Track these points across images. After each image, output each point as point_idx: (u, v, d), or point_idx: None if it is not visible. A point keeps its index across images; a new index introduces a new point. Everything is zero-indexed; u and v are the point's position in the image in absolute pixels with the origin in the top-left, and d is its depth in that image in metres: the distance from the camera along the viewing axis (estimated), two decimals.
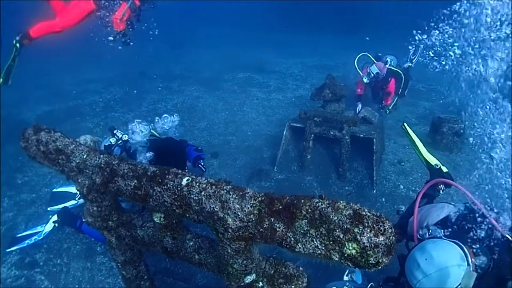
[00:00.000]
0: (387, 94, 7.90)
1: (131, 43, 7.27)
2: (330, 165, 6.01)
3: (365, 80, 7.60)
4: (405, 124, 3.68)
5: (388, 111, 7.91)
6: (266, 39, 18.49)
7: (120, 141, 4.11)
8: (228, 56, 13.92)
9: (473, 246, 2.29)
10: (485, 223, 2.36)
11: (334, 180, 5.76)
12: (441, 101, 9.58)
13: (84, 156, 2.17)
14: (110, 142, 4.16)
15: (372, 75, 7.48)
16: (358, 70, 7.70)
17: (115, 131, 4.29)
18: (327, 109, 5.89)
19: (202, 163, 4.48)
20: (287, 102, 9.13)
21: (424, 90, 10.25)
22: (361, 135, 5.50)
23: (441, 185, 3.11)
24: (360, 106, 7.76)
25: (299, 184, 5.70)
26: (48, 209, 5.21)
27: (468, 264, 2.08)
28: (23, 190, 5.82)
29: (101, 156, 2.15)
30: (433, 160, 3.30)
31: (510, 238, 2.28)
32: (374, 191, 5.54)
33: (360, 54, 7.74)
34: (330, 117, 5.44)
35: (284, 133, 5.98)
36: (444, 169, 3.21)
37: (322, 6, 21.03)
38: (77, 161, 2.17)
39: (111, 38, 6.92)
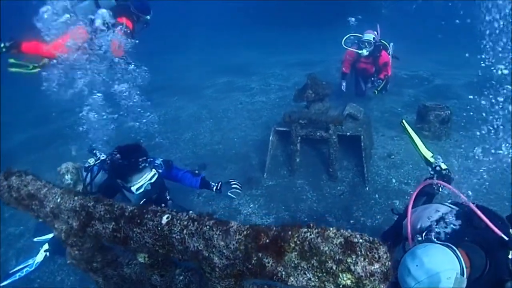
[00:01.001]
0: (384, 65, 7.79)
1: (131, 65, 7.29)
2: (320, 166, 5.93)
3: (366, 52, 7.59)
4: (404, 121, 3.61)
5: (376, 91, 7.84)
6: (244, 39, 18.39)
7: (99, 160, 3.95)
8: (207, 60, 13.82)
9: (468, 247, 2.23)
10: (479, 224, 2.29)
11: (326, 181, 5.68)
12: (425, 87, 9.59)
13: (58, 200, 2.06)
14: (89, 163, 4.02)
15: (370, 42, 7.51)
16: (348, 48, 7.74)
17: (94, 151, 4.14)
18: (311, 109, 5.80)
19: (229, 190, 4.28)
20: (271, 103, 9.03)
21: (407, 77, 10.22)
22: (348, 133, 5.42)
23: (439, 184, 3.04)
24: (344, 84, 7.72)
25: (290, 189, 5.61)
26: (34, 239, 5.05)
27: (461, 268, 2.03)
28: (11, 224, 5.67)
29: (75, 198, 2.03)
30: (434, 159, 3.24)
31: (505, 238, 2.21)
32: (367, 188, 5.48)
33: (347, 36, 7.77)
34: (315, 118, 5.36)
35: (270, 138, 5.89)
36: (443, 166, 3.16)
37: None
38: (51, 206, 2.05)
39: (105, 65, 6.89)
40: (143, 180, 3.26)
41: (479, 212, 2.26)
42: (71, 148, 7.59)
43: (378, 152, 6.24)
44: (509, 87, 9.15)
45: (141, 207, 1.86)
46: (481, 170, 6.01)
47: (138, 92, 7.65)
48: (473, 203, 2.40)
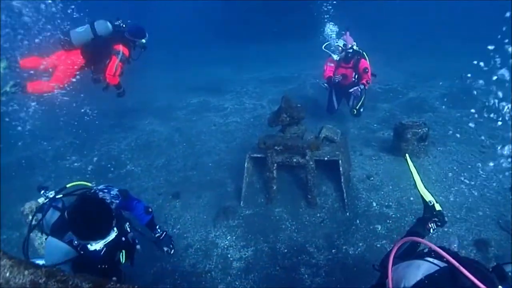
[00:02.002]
0: (364, 71, 7.57)
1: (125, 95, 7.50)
2: (298, 192, 5.72)
3: (336, 57, 7.49)
4: (407, 156, 3.43)
5: (355, 111, 7.73)
6: (215, 55, 18.20)
7: (48, 200, 3.60)
8: (179, 79, 13.51)
9: None
10: (465, 283, 2.08)
11: (305, 208, 5.46)
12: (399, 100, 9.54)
13: (7, 275, 1.75)
14: (39, 202, 3.67)
15: (341, 48, 7.40)
16: (328, 52, 7.62)
17: (42, 191, 3.76)
18: (286, 133, 5.60)
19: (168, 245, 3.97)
20: (246, 124, 8.81)
21: (381, 91, 10.18)
22: (326, 158, 5.23)
23: (432, 224, 2.87)
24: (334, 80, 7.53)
25: (268, 218, 5.38)
26: None
27: None
28: None
29: (26, 272, 1.74)
30: (428, 196, 3.06)
31: None
32: (347, 213, 5.29)
33: (326, 43, 7.68)
34: (291, 144, 5.15)
35: (245, 165, 5.64)
36: (437, 207, 2.98)
37: (266, 12, 20.85)
38: (0, 281, 1.76)
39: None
40: (101, 244, 2.88)
41: (465, 271, 2.05)
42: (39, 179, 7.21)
43: (356, 174, 6.07)
44: (483, 99, 9.18)
45: (98, 282, 1.59)
46: (462, 187, 5.93)
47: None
48: (459, 258, 2.20)
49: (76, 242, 2.87)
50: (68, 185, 3.76)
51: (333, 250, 4.81)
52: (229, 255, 4.92)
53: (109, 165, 7.38)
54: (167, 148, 7.87)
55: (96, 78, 7.17)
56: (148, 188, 6.53)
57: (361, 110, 7.78)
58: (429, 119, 8.33)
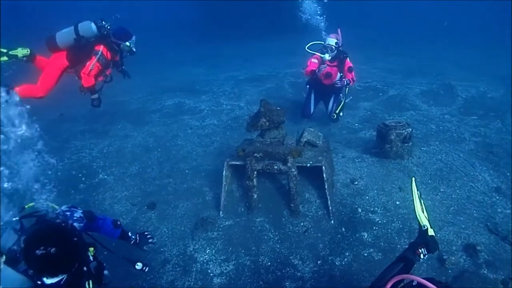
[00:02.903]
0: (349, 70, 7.51)
1: (100, 106, 7.30)
2: (280, 200, 5.43)
3: (328, 57, 7.34)
4: (413, 179, 3.19)
5: (335, 115, 7.62)
6: (192, 53, 17.79)
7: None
8: (152, 80, 13.08)
9: None
10: None
11: (287, 217, 5.18)
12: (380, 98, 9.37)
13: None
14: None
15: (333, 47, 7.32)
16: (314, 52, 7.49)
17: None
18: (266, 138, 5.31)
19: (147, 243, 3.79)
20: (224, 126, 8.50)
21: (361, 89, 10.00)
22: (308, 164, 4.96)
23: (422, 249, 2.65)
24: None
25: (249, 229, 5.08)
26: None
27: None
28: None
29: None
30: (423, 220, 2.84)
31: None
32: (332, 221, 5.04)
33: (310, 43, 7.52)
34: (271, 150, 4.87)
35: (224, 173, 5.32)
36: (430, 232, 2.77)
37: (243, 10, 20.56)
38: None
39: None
40: (59, 278, 2.52)
41: None
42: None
43: (340, 178, 5.83)
44: (463, 96, 9.11)
45: None
46: (448, 188, 5.75)
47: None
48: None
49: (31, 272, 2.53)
50: (26, 206, 3.39)
51: (318, 262, 4.55)
52: (209, 271, 4.61)
53: (80, 175, 6.96)
54: (141, 155, 7.49)
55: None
56: (122, 199, 6.16)
57: (341, 114, 7.63)
58: (410, 117, 8.19)
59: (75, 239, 2.67)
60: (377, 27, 20.90)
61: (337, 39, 7.35)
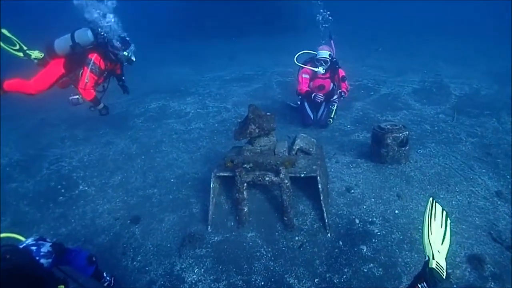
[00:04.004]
0: (342, 80, 7.34)
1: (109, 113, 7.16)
2: (273, 212, 5.09)
3: (322, 71, 7.12)
4: (431, 200, 2.87)
5: (332, 120, 7.52)
6: (176, 52, 17.32)
7: None
8: (135, 81, 12.57)
9: None
10: None
11: (281, 231, 4.83)
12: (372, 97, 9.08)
13: None
14: None
15: (327, 59, 7.10)
16: (302, 65, 7.24)
17: None
18: (255, 146, 4.95)
19: None
20: (210, 130, 8.12)
21: (352, 88, 9.67)
22: (302, 175, 4.62)
23: (422, 284, 2.41)
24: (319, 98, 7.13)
25: (241, 245, 4.71)
26: None
27: None
28: None
29: None
30: (428, 251, 2.54)
31: None
32: (328, 234, 4.71)
33: (299, 53, 7.19)
34: (262, 161, 4.51)
35: (211, 185, 4.95)
36: (431, 264, 2.48)
37: (228, 7, 20.19)
38: None
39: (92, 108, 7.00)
40: None
41: None
42: None
43: (335, 186, 5.51)
44: (456, 93, 8.86)
45: None
46: (448, 194, 5.47)
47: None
48: None
49: None
50: None
51: (315, 280, 4.22)
52: None
53: (59, 186, 6.54)
54: (123, 163, 7.07)
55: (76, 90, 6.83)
56: (104, 212, 5.76)
57: (334, 117, 7.46)
58: (404, 117, 7.92)
59: (39, 281, 2.33)
60: (362, 22, 20.67)
61: (330, 51, 7.08)
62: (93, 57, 6.43)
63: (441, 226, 2.74)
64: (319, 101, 7.20)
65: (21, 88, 6.46)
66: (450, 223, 2.77)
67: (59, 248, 3.01)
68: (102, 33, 6.48)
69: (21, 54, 6.57)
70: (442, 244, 2.66)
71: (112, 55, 6.66)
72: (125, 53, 6.65)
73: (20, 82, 6.47)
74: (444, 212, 2.78)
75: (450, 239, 2.72)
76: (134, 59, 6.88)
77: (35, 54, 6.59)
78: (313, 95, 7.21)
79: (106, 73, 6.85)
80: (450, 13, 22.84)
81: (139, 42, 6.93)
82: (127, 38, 6.73)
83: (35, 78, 6.52)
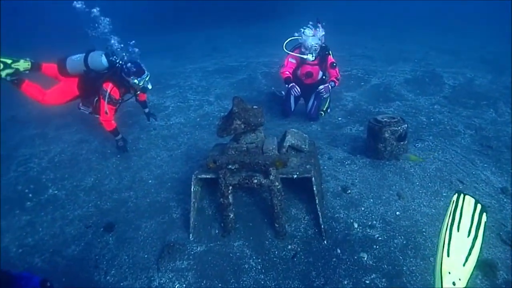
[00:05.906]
0: (332, 66, 6.84)
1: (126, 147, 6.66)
2: (262, 217, 4.56)
3: (312, 58, 6.62)
4: (459, 195, 2.27)
5: (323, 113, 7.16)
6: (157, 43, 16.61)
7: None
8: None
9: None
10: None
11: (271, 239, 4.30)
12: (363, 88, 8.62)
13: None
14: None
15: (316, 46, 6.60)
16: (291, 53, 6.79)
17: None
18: (241, 143, 4.41)
19: None
20: (191, 125, 7.55)
21: (341, 78, 9.21)
22: (295, 176, 4.10)
23: None
24: (294, 89, 6.63)
25: (226, 256, 4.19)
26: None
27: None
28: None
29: None
30: (436, 281, 2.01)
31: None
32: (325, 241, 4.21)
33: (288, 39, 6.71)
34: (249, 161, 3.98)
35: (192, 188, 4.38)
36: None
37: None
38: None
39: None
40: None
41: None
42: None
43: (330, 186, 5.01)
44: (450, 83, 8.46)
45: None
46: (451, 192, 5.03)
47: None
48: None
49: None
50: None
51: None
52: None
53: (27, 190, 5.94)
54: (97, 163, 6.47)
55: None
56: (74, 219, 5.17)
57: (328, 111, 7.06)
58: (398, 108, 7.48)
59: None
60: (346, 10, 20.25)
61: (319, 36, 6.57)
62: (108, 87, 6.08)
63: (468, 235, 2.14)
64: (294, 94, 6.68)
65: (35, 96, 6.29)
66: (484, 226, 2.15)
67: (5, 277, 2.47)
68: (117, 60, 6.23)
69: (9, 71, 6.10)
70: (464, 264, 2.05)
71: (125, 82, 6.28)
72: (136, 81, 6.19)
73: (38, 90, 6.30)
74: (478, 208, 2.19)
75: (478, 255, 2.13)
76: (150, 87, 6.55)
77: (23, 65, 6.16)
78: (290, 85, 6.67)
79: (121, 99, 6.51)
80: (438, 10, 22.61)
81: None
82: (142, 65, 6.32)
83: (50, 91, 6.34)
